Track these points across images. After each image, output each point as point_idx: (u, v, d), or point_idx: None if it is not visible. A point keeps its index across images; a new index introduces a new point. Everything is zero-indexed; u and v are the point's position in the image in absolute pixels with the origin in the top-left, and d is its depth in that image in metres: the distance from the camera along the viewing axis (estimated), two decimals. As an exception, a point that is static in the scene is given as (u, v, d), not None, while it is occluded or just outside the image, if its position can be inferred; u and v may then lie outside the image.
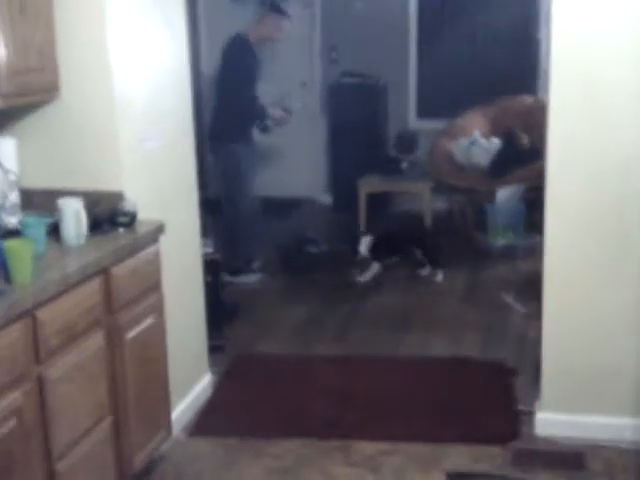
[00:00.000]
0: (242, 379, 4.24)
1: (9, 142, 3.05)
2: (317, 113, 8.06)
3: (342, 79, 7.77)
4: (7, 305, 2.35)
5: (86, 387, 2.76)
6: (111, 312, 2.90)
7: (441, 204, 7.19)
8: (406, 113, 8.11)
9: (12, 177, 3.01)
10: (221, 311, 4.60)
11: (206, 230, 4.33)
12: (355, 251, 5.76)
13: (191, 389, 3.83)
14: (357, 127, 7.49)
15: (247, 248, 5.74)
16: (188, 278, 3.80)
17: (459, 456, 3.42)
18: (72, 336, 2.66)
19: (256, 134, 5.81)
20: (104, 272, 2.85)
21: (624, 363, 3.41)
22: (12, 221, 2.93)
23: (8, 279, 2.49)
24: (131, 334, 3.02)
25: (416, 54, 8.03)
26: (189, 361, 3.82)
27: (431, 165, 7.02)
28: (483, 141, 6.73)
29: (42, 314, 2.51)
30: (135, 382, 3.05)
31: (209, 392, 4.00)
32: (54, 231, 2.94)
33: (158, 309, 3.24)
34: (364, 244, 5.76)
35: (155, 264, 3.21)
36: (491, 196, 6.36)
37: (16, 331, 2.39)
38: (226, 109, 5.52)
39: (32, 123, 3.20)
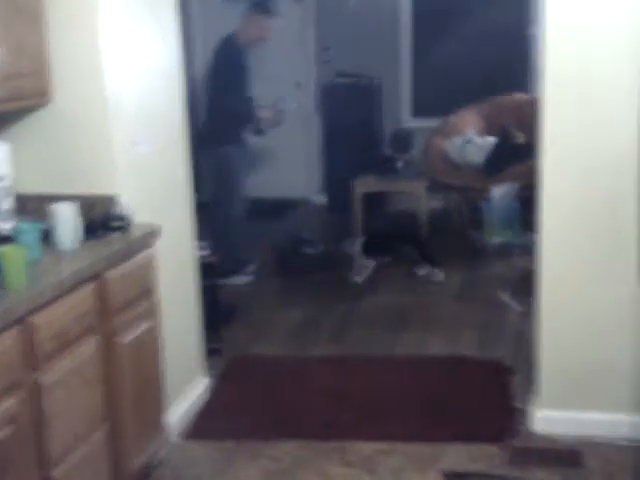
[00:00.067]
0: (239, 381, 4.24)
1: (2, 147, 3.04)
2: (311, 113, 8.06)
3: (336, 79, 7.77)
4: (1, 311, 2.35)
5: (82, 392, 2.76)
6: (106, 317, 2.89)
7: (437, 203, 7.19)
8: (401, 112, 8.12)
9: (6, 183, 3.01)
10: (217, 313, 4.60)
11: (202, 233, 4.33)
12: (348, 252, 5.76)
13: (188, 392, 3.83)
14: (352, 127, 7.49)
15: (237, 250, 5.74)
16: (183, 281, 3.80)
17: (456, 455, 3.42)
18: (67, 341, 2.66)
19: (249, 136, 5.81)
20: (98, 277, 2.85)
21: (619, 359, 3.41)
22: (6, 227, 2.92)
23: (2, 285, 2.49)
24: (126, 339, 3.01)
25: (410, 53, 8.04)
26: (185, 364, 3.81)
27: (426, 164, 7.03)
28: (477, 139, 6.73)
29: (37, 320, 2.50)
30: (131, 386, 3.05)
31: (206, 395, 4.00)
32: (48, 236, 2.94)
33: (153, 313, 3.24)
34: (356, 245, 5.77)
35: (150, 268, 3.21)
36: (486, 194, 6.37)
37: (11, 337, 2.39)
38: (217, 111, 5.52)
39: (24, 127, 3.19)
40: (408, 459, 3.42)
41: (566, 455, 3.37)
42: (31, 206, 3.12)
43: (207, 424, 3.78)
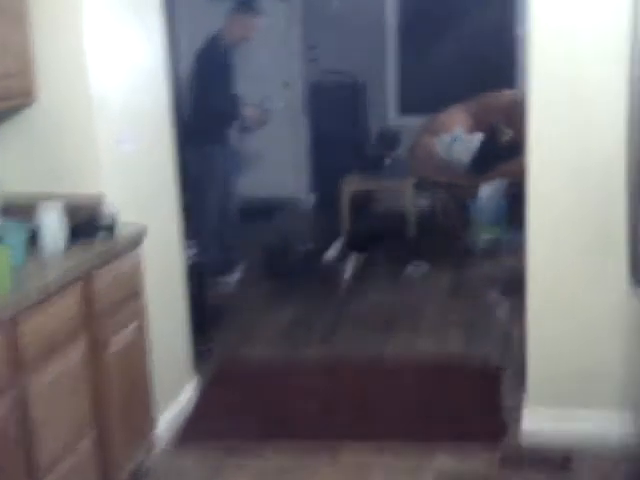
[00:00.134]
0: (228, 384, 4.21)
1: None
2: (298, 113, 8.03)
3: (323, 78, 7.75)
4: (-15, 315, 2.32)
5: (69, 398, 2.73)
6: (93, 320, 2.86)
7: (424, 201, 7.18)
8: (388, 110, 8.10)
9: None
10: (206, 315, 4.57)
11: (191, 233, 4.31)
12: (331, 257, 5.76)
13: (177, 395, 3.80)
14: (339, 126, 7.48)
15: (224, 250, 5.71)
16: (171, 282, 3.77)
17: (446, 456, 3.41)
18: (54, 346, 2.63)
19: (235, 136, 5.79)
20: (85, 279, 2.82)
21: (609, 359, 3.40)
22: (-9, 228, 2.89)
23: (-14, 289, 2.46)
24: (113, 342, 2.98)
25: (396, 51, 8.03)
26: (174, 367, 3.78)
27: (413, 162, 7.01)
28: (465, 137, 6.72)
29: (23, 324, 2.47)
30: (118, 391, 3.02)
31: (195, 398, 3.97)
32: (34, 238, 2.90)
33: (141, 316, 3.21)
34: (334, 248, 5.75)
35: (137, 270, 3.19)
36: (474, 192, 6.36)
37: (-4, 342, 2.36)
38: (201, 110, 5.49)
39: (9, 127, 3.17)
40: (399, 461, 3.40)
41: (555, 455, 3.36)
42: (16, 206, 3.09)
43: (196, 428, 3.74)
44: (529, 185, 3.35)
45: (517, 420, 3.58)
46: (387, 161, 6.98)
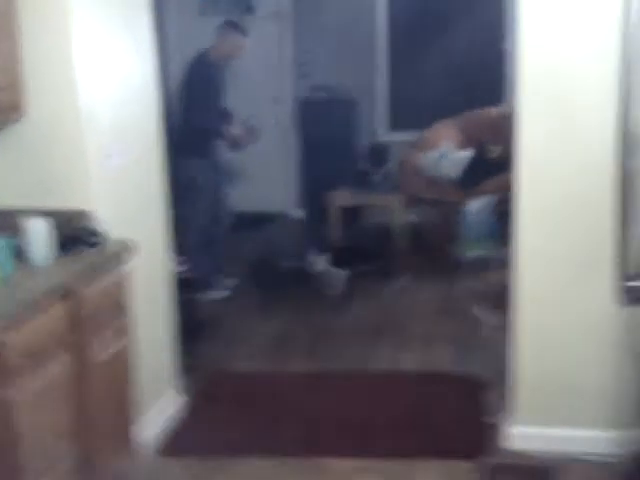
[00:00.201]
0: (214, 397, 4.20)
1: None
2: (288, 127, 8.06)
3: (313, 93, 7.78)
4: (-29, 329, 2.32)
5: (53, 411, 2.72)
6: (79, 335, 2.86)
7: (413, 217, 7.20)
8: (378, 126, 8.13)
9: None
10: (193, 329, 4.57)
11: (181, 248, 4.31)
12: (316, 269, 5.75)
13: (162, 408, 3.79)
14: (328, 141, 7.50)
15: (211, 264, 5.71)
16: (158, 296, 3.77)
17: (430, 472, 3.40)
18: (39, 359, 2.62)
19: (225, 151, 5.81)
20: (72, 294, 2.81)
21: (594, 375, 3.42)
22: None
23: (-28, 303, 2.46)
24: (99, 357, 2.98)
25: (387, 67, 8.07)
26: (160, 380, 3.78)
27: (401, 178, 7.03)
28: (452, 153, 6.75)
29: (8, 337, 2.47)
30: (102, 406, 3.01)
31: (180, 411, 3.96)
32: (21, 251, 2.90)
33: (127, 331, 3.21)
34: (320, 261, 5.75)
35: (123, 285, 3.18)
36: (462, 208, 6.38)
37: (-20, 355, 2.36)
38: (185, 124, 5.51)
39: (-2, 142, 3.17)
40: (382, 476, 3.40)
41: (540, 472, 3.36)
42: (4, 221, 3.09)
43: (181, 441, 3.74)
44: (517, 201, 3.36)
45: (501, 434, 3.59)
46: (376, 177, 7.00)
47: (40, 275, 2.82)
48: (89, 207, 3.17)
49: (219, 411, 4.02)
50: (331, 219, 6.78)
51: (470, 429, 3.75)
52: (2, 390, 2.47)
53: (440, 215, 6.91)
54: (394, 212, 6.77)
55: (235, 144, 5.77)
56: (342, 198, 6.89)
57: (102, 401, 3.02)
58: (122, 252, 3.17)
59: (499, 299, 4.92)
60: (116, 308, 3.12)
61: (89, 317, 2.90)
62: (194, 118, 5.48)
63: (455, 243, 6.45)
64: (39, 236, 2.90)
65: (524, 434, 3.51)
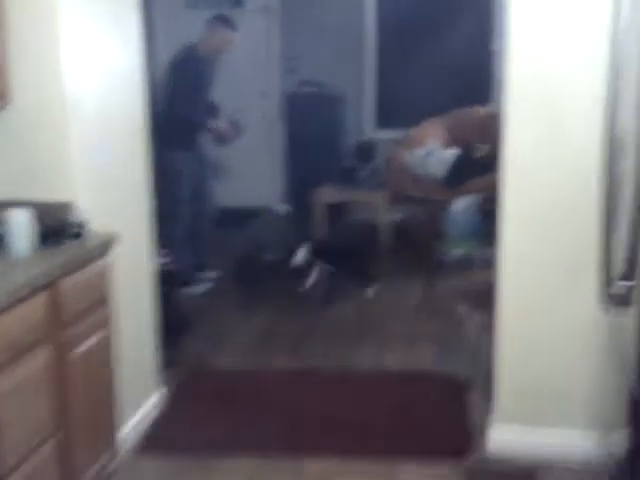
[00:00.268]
0: (195, 394, 4.17)
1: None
2: (275, 122, 8.03)
3: (300, 89, 7.76)
4: (-51, 320, 2.28)
5: (33, 404, 2.69)
6: (59, 327, 2.82)
7: (398, 214, 7.19)
8: (365, 123, 8.12)
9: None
10: (175, 323, 4.54)
11: (164, 241, 4.27)
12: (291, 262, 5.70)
13: (142, 405, 3.76)
14: (315, 137, 7.49)
15: (193, 258, 5.68)
16: (139, 290, 3.74)
17: (411, 473, 3.38)
18: (18, 352, 2.58)
19: (210, 145, 5.78)
20: (52, 286, 2.78)
21: (577, 377, 3.41)
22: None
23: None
24: (79, 349, 2.94)
25: (375, 64, 8.06)
26: (141, 375, 3.75)
27: (387, 175, 7.03)
28: (439, 151, 6.74)
29: (-14, 329, 2.44)
30: (82, 399, 2.98)
31: (161, 407, 3.93)
32: (1, 241, 2.87)
33: (107, 324, 3.18)
34: (300, 254, 5.70)
35: (105, 277, 3.15)
36: (448, 206, 6.37)
37: (-42, 347, 2.32)
38: (171, 117, 5.48)
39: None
40: (363, 477, 3.38)
41: (522, 474, 3.35)
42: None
43: (161, 438, 3.71)
44: (502, 201, 3.35)
45: (484, 436, 3.57)
46: (362, 173, 6.99)
47: (21, 266, 2.78)
48: (72, 195, 3.13)
49: (201, 408, 3.99)
50: (316, 215, 6.76)
51: (452, 430, 3.73)
52: (-20, 382, 2.43)
53: (425, 213, 6.91)
54: (379, 209, 6.76)
55: (221, 138, 5.75)
56: (328, 194, 6.88)
57: (83, 393, 2.98)
58: (104, 244, 3.14)
59: (483, 298, 4.93)
60: (97, 300, 3.08)
61: (69, 309, 2.87)
62: (180, 111, 5.45)
63: (440, 241, 6.45)
64: (20, 227, 2.87)
65: (506, 433, 3.49)
